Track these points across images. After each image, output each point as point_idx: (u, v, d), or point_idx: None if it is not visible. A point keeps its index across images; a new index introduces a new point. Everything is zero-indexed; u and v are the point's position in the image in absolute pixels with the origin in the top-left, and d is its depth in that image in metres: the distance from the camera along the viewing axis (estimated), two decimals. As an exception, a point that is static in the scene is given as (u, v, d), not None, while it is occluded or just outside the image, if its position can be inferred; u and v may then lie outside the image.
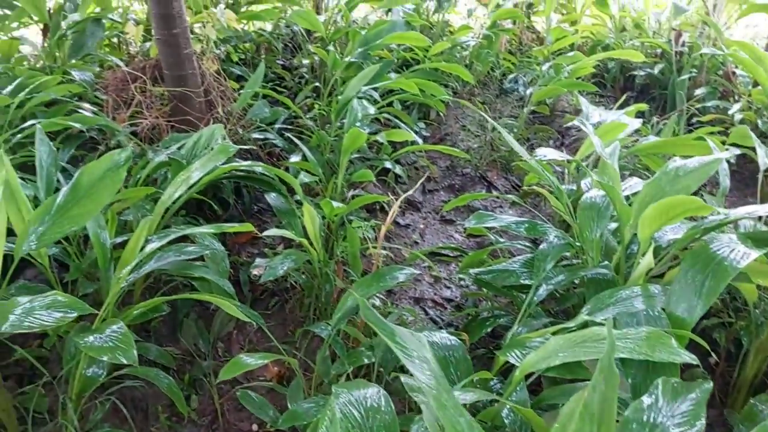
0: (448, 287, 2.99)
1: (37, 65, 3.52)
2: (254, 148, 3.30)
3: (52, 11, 3.86)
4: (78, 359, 1.64)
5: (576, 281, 2.20)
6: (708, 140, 2.62)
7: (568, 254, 2.20)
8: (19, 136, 2.50)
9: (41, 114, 2.93)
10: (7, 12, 3.71)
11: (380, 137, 2.90)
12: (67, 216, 1.55)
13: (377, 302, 2.27)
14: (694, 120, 4.04)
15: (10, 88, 2.85)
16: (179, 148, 2.42)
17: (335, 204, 2.15)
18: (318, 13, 4.86)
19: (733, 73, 3.91)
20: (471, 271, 2.08)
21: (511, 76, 4.95)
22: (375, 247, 2.03)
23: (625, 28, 5.06)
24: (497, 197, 3.64)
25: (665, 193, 2.15)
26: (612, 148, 2.42)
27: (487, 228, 2.51)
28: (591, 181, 2.44)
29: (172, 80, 2.98)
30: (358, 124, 3.00)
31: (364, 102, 3.22)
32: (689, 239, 1.92)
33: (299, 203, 2.44)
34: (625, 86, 5.05)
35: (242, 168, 2.33)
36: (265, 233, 2.00)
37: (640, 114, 4.64)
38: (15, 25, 3.85)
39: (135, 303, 2.25)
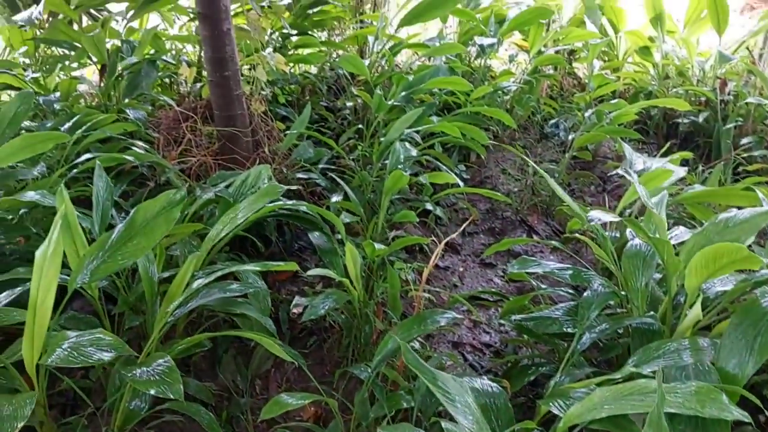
0: (488, 332, 2.96)
1: (93, 103, 3.67)
2: (298, 187, 3.37)
3: (109, 52, 4.07)
4: (122, 392, 1.67)
5: (620, 331, 2.16)
6: (757, 191, 2.57)
7: (612, 303, 2.16)
8: (75, 171, 2.61)
9: (96, 150, 3.05)
10: (68, 52, 3.92)
11: (422, 178, 2.93)
12: (121, 252, 1.60)
13: (416, 345, 2.26)
14: (740, 169, 3.97)
15: (68, 125, 2.98)
16: (227, 187, 2.48)
17: (377, 245, 2.17)
18: (362, 57, 4.99)
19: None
20: (512, 317, 2.06)
21: (552, 121, 4.96)
22: (416, 290, 2.02)
23: (668, 75, 5.04)
24: (537, 242, 3.61)
25: (713, 244, 2.11)
26: (659, 197, 2.39)
27: (528, 273, 2.49)
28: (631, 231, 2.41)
29: (222, 120, 3.08)
30: (400, 165, 3.04)
31: (407, 144, 3.27)
32: (739, 292, 1.87)
33: (341, 243, 2.47)
34: (668, 134, 5.00)
35: (286, 207, 2.37)
36: (309, 272, 2.02)
37: (684, 162, 4.60)
38: (75, 65, 4.05)
39: (178, 337, 2.29)
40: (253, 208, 2.26)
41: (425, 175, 2.98)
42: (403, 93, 3.63)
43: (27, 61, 4.15)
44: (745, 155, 3.98)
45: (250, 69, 3.32)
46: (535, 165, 2.90)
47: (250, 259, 2.79)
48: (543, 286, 2.57)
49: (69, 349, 1.43)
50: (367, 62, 4.31)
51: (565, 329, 1.98)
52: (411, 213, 2.61)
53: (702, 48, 5.38)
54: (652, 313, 1.95)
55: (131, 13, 3.94)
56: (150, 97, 3.94)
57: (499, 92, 4.90)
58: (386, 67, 4.75)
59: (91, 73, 4.33)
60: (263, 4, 4.53)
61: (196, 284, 1.87)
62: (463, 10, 4.45)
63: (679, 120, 4.70)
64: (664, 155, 3.62)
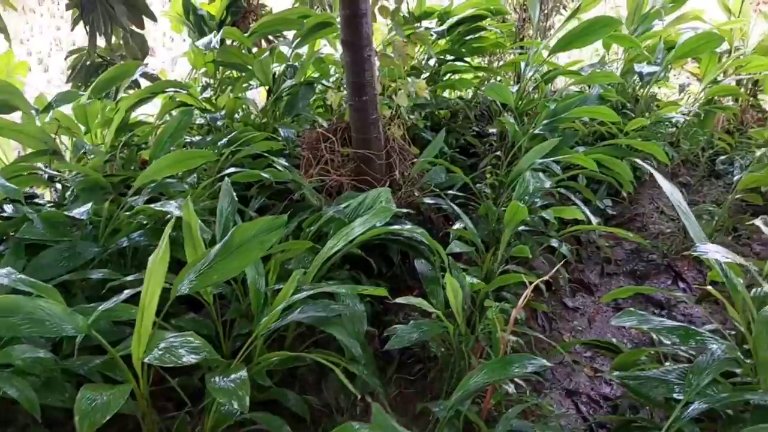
0: (609, 384, 2.74)
1: (254, 121, 4.01)
2: (429, 211, 3.40)
3: (276, 76, 4.43)
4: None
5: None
6: None
7: (740, 371, 1.90)
8: (219, 184, 2.87)
9: (246, 165, 3.33)
10: (236, 74, 4.33)
11: (547, 214, 2.81)
12: (216, 269, 1.74)
13: (509, 389, 2.15)
14: None
15: (224, 140, 3.29)
16: (346, 207, 2.58)
17: (473, 280, 2.10)
18: (519, 82, 4.90)
19: None
20: (615, 373, 1.89)
21: (723, 157, 4.49)
22: (504, 330, 1.94)
23: None
24: (667, 291, 3.29)
25: None
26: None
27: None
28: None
29: (358, 142, 3.21)
30: (527, 197, 2.94)
31: (541, 175, 3.15)
32: None
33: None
34: None
35: (390, 230, 2.41)
36: (397, 300, 2.03)
37: None
38: (253, 84, 4.45)
39: (286, 348, 2.42)
40: (363, 228, 2.33)
41: (550, 210, 2.85)
42: (546, 121, 3.51)
43: (210, 81, 4.64)
44: None
45: (392, 94, 3.42)
46: (685, 205, 2.64)
47: (369, 279, 2.87)
48: (667, 342, 2.32)
49: (164, 349, 1.58)
50: (514, 89, 4.24)
51: (675, 395, 1.78)
52: (525, 248, 2.51)
53: None
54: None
55: (297, 40, 4.27)
56: (310, 117, 4.22)
57: (663, 123, 4.55)
58: (538, 95, 4.63)
59: (256, 93, 4.74)
60: (421, 28, 4.67)
61: (296, 298, 1.97)
62: (623, 35, 4.20)
63: None
64: None
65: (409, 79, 3.48)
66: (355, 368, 1.94)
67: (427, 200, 3.17)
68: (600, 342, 2.42)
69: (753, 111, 5.14)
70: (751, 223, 3.75)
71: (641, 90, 4.75)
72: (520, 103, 4.35)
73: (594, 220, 2.97)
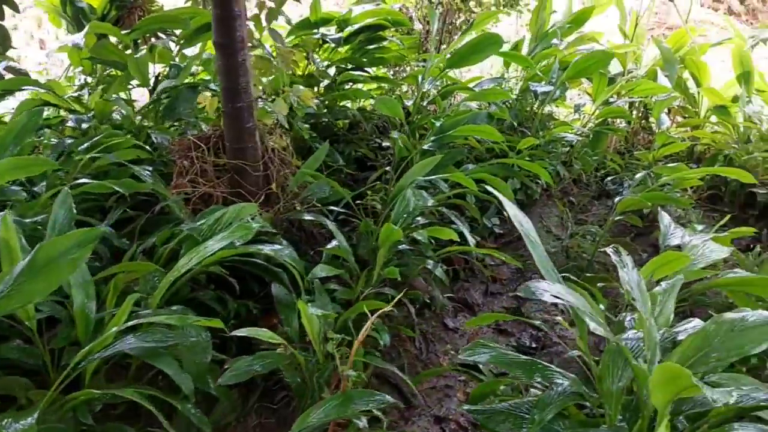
0: (481, 409, 2.66)
1: (128, 125, 3.72)
2: (311, 226, 3.24)
3: (161, 76, 4.16)
4: None
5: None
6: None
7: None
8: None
9: (113, 172, 3.07)
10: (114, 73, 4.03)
11: (420, 235, 2.70)
12: (20, 291, 1.51)
13: (362, 424, 2.01)
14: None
15: (85, 146, 3.02)
16: (202, 223, 2.38)
17: (316, 311, 1.94)
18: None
19: None
20: (465, 407, 1.79)
21: (610, 178, 4.57)
22: (342, 367, 1.79)
23: (750, 138, 4.52)
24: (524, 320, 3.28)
25: (714, 349, 1.76)
26: (671, 282, 2.07)
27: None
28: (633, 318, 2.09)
29: (232, 152, 3.01)
30: (406, 215, 2.84)
31: (424, 193, 3.06)
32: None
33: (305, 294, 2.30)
34: (746, 203, 4.47)
35: (251, 251, 2.23)
36: (235, 332, 1.85)
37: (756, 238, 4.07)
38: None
39: (128, 378, 2.19)
40: (216, 248, 2.14)
41: (424, 231, 2.75)
42: (434, 138, 3.43)
43: (88, 79, 4.30)
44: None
45: (272, 101, 3.24)
46: (573, 225, 2.61)
47: (235, 299, 2.67)
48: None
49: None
50: (410, 102, 4.17)
51: (522, 429, 1.69)
52: (395, 270, 2.41)
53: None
54: (623, 425, 1.63)
55: (183, 40, 4.02)
56: (194, 122, 3.96)
57: (558, 143, 4.59)
58: (436, 109, 4.58)
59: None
60: (317, 35, 4.52)
61: (134, 322, 1.77)
62: (516, 54, 4.22)
63: (758, 190, 4.18)
64: (726, 227, 3.22)
65: (294, 88, 3.32)
66: (181, 405, 1.75)
67: (307, 216, 3.01)
68: (468, 366, 2.33)
69: (644, 133, 5.29)
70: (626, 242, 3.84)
71: (539, 108, 4.79)
72: (417, 116, 4.27)
73: (471, 240, 2.90)
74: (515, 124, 4.60)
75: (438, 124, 3.40)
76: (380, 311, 1.87)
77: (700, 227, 3.59)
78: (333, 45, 4.52)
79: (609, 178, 4.72)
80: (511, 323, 3.23)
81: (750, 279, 2.36)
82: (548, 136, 4.40)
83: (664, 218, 2.86)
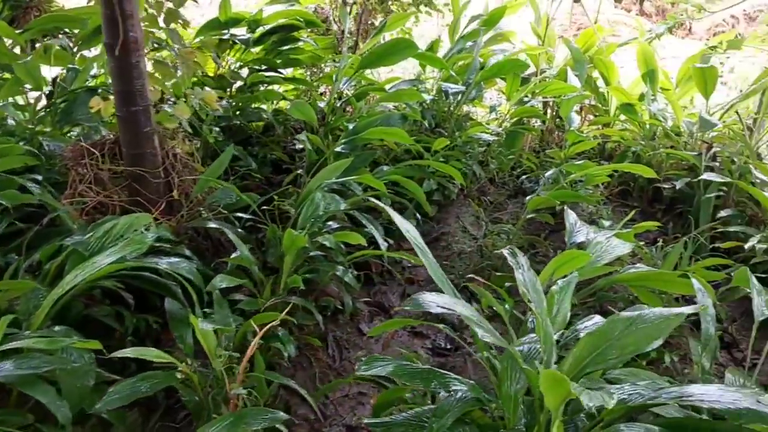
0: (394, 415, 2.62)
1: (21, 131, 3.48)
2: (217, 234, 3.11)
3: (59, 80, 3.92)
4: None
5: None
6: (692, 278, 2.23)
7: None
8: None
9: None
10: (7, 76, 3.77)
11: (327, 240, 2.64)
12: None
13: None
14: (718, 244, 3.58)
15: (-35, 154, 2.79)
16: (89, 236, 2.23)
17: (204, 325, 1.84)
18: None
19: (764, 197, 3.47)
20: (365, 420, 1.74)
21: (526, 176, 4.65)
22: (235, 379, 1.71)
23: (655, 135, 4.69)
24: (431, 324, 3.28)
25: (612, 347, 1.78)
26: (567, 280, 2.08)
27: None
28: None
29: (129, 158, 2.86)
30: (313, 220, 2.78)
31: (336, 196, 3.00)
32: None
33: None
34: (654, 198, 4.64)
35: (145, 265, 2.11)
36: (115, 354, 1.73)
37: (662, 232, 4.22)
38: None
39: (11, 404, 2.03)
40: (106, 262, 2.01)
41: (331, 236, 2.68)
42: (346, 140, 3.38)
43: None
44: (723, 229, 3.60)
45: (174, 104, 3.10)
46: (487, 223, 2.60)
47: (134, 314, 2.52)
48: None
49: None
50: (322, 104, 4.10)
51: (422, 440, 1.66)
52: (298, 278, 2.33)
53: (698, 108, 5.02)
54: (521, 427, 1.62)
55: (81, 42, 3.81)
56: (96, 128, 3.75)
57: (474, 143, 4.63)
58: (353, 110, 4.53)
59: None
60: (227, 35, 4.39)
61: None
62: (430, 56, 4.21)
63: (663, 185, 4.34)
64: (637, 220, 3.33)
65: (197, 90, 3.19)
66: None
67: (212, 224, 2.89)
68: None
69: (558, 131, 5.41)
70: (546, 240, 3.90)
71: (455, 109, 4.81)
72: (332, 118, 4.21)
73: (383, 244, 2.86)
74: (432, 124, 4.61)
75: (351, 126, 3.34)
76: (269, 324, 1.79)
77: (607, 223, 3.70)
78: (244, 46, 4.40)
79: (525, 177, 4.79)
80: (425, 326, 3.22)
81: (647, 274, 2.42)
82: (464, 137, 4.42)
83: (570, 216, 2.90)
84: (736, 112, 4.23)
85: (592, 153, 5.10)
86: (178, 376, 1.84)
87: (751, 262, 3.34)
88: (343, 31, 4.16)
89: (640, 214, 4.68)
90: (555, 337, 1.89)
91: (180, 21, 3.01)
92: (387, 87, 4.29)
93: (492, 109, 4.94)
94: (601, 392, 1.32)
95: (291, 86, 5.02)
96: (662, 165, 4.55)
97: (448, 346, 3.12)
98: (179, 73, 3.18)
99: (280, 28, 4.52)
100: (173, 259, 2.31)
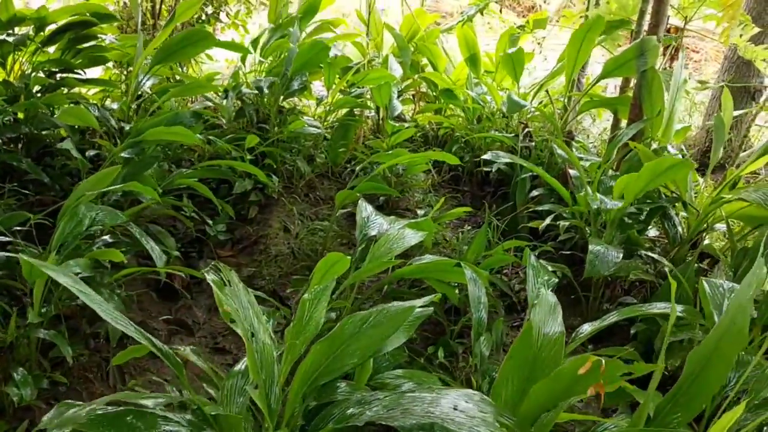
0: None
1: None
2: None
3: None
4: None
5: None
6: (464, 266, 2.14)
7: None
8: None
9: None
10: None
11: (75, 263, 2.31)
12: None
13: None
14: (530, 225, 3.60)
15: None
16: None
17: None
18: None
19: (569, 174, 3.52)
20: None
21: (359, 168, 4.51)
22: None
23: (480, 119, 4.71)
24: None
25: (347, 350, 1.63)
26: (320, 289, 1.92)
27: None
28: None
29: None
30: (76, 236, 2.45)
31: (112, 209, 2.68)
32: None
33: None
34: (483, 181, 4.66)
35: None
36: None
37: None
38: None
39: None
40: None
41: (82, 259, 2.36)
42: (131, 142, 3.05)
43: None
44: (535, 208, 3.62)
45: None
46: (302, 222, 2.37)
47: None
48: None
49: None
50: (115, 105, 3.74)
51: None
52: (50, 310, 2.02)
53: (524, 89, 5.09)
54: None
55: None
56: None
57: (302, 138, 4.43)
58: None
59: None
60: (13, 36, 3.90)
61: None
62: (232, 43, 3.97)
63: (488, 168, 4.34)
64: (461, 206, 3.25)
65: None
66: None
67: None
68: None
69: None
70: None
71: (275, 103, 4.60)
72: (134, 118, 3.84)
73: (159, 259, 2.58)
74: (254, 120, 4.36)
75: (131, 127, 3.03)
76: None
77: (421, 212, 3.62)
78: (39, 46, 3.97)
79: (359, 168, 4.65)
80: (231, 340, 2.99)
81: (425, 265, 2.32)
82: (286, 132, 4.21)
83: (364, 209, 2.76)
84: (546, 92, 4.30)
85: (425, 140, 5.05)
86: None
87: (558, 240, 3.38)
88: (137, 24, 3.81)
89: (471, 198, 4.69)
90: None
91: None
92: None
93: (319, 101, 4.76)
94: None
95: (98, 88, 4.59)
96: (490, 148, 4.56)
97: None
98: None
99: (73, 24, 4.10)
100: None
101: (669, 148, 3.41)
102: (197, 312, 3.19)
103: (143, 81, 3.79)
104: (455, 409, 1.22)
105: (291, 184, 4.26)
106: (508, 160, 3.54)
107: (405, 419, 1.24)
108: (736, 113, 3.83)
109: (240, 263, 3.55)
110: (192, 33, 3.46)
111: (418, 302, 1.81)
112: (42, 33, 4.07)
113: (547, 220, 3.20)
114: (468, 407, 1.23)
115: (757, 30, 4.28)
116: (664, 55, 5.01)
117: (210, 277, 1.72)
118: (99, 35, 4.27)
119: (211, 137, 3.86)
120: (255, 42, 4.70)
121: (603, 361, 1.31)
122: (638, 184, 2.67)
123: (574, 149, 4.22)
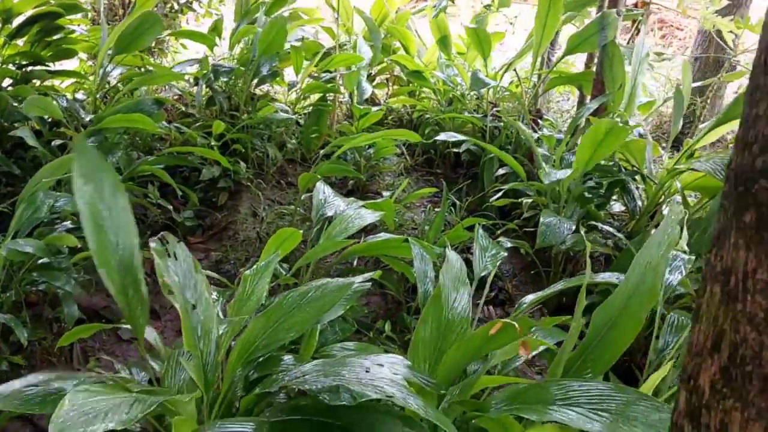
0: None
1: None
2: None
3: None
4: None
5: None
6: (412, 243, 2.17)
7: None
8: None
9: None
10: None
11: (30, 245, 2.34)
12: None
13: None
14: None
15: None
16: None
17: None
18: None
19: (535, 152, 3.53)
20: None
21: (335, 153, 4.53)
22: None
23: (452, 101, 4.72)
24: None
25: (284, 323, 1.67)
26: (266, 262, 1.95)
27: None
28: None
29: None
30: (34, 223, 2.49)
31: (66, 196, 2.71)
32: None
33: None
34: (456, 163, 4.68)
35: None
36: None
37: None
38: None
39: None
40: None
41: (41, 241, 2.39)
42: (91, 130, 3.08)
43: None
44: (501, 187, 3.65)
45: None
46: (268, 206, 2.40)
47: None
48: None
49: None
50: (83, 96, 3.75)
51: None
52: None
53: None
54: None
55: None
56: None
57: (274, 124, 4.45)
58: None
59: None
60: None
61: None
62: (191, 32, 3.96)
63: (458, 149, 4.37)
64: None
65: None
66: None
67: None
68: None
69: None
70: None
71: (257, 90, 4.62)
72: (102, 107, 3.86)
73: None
74: (225, 107, 4.38)
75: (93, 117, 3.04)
76: None
77: (386, 193, 3.65)
78: (8, 40, 3.97)
79: (322, 152, 4.67)
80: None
81: (377, 243, 2.35)
82: (256, 118, 4.22)
83: (321, 190, 2.79)
84: (514, 71, 4.32)
85: (399, 124, 5.07)
86: None
87: (522, 217, 3.41)
88: (100, 14, 3.81)
89: (444, 179, 4.70)
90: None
91: None
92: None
93: (290, 86, 4.77)
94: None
95: (70, 79, 4.60)
96: (464, 129, 4.58)
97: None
98: None
99: (41, 16, 4.10)
100: None
101: (630, 121, 3.43)
102: (163, 298, 3.21)
103: (110, 71, 3.80)
104: (367, 371, 1.26)
105: (262, 170, 4.29)
106: (461, 138, 3.57)
107: (316, 382, 1.27)
108: (695, 84, 3.84)
109: (209, 249, 3.58)
110: (143, 20, 3.46)
111: (358, 278, 1.85)
112: (9, 26, 4.07)
113: (508, 199, 3.23)
114: (380, 369, 1.27)
115: (726, 2, 4.30)
116: (636, 30, 5.02)
117: (152, 245, 1.74)
118: (68, 27, 4.30)
119: (179, 125, 3.89)
120: (215, 30, 4.70)
121: (516, 324, 1.34)
122: (583, 154, 2.69)
123: (543, 127, 4.25)
